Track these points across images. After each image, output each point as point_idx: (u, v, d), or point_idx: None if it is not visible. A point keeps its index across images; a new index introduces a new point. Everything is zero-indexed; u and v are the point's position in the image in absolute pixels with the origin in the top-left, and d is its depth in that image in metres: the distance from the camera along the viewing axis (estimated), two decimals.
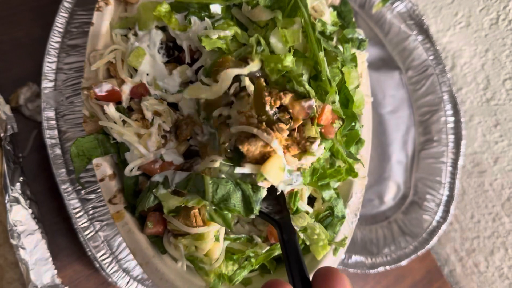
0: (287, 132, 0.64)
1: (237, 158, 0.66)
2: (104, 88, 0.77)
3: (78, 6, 0.93)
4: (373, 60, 1.15)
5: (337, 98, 0.75)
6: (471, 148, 1.18)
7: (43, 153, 0.89)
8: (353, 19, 0.95)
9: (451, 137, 1.10)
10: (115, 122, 0.76)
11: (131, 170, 0.76)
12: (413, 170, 1.14)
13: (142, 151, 0.75)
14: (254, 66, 0.71)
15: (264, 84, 0.67)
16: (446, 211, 1.09)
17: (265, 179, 0.62)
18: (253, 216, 0.66)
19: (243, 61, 0.74)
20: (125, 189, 0.77)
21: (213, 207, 0.67)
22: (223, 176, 0.65)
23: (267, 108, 0.65)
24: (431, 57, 1.10)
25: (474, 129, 1.17)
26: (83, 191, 0.86)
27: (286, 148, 0.65)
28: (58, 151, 0.86)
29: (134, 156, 0.76)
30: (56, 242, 0.94)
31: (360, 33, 0.93)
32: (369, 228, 1.14)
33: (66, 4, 0.92)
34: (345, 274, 0.67)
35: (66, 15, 0.92)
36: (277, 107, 0.66)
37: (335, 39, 0.89)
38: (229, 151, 0.69)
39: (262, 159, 0.63)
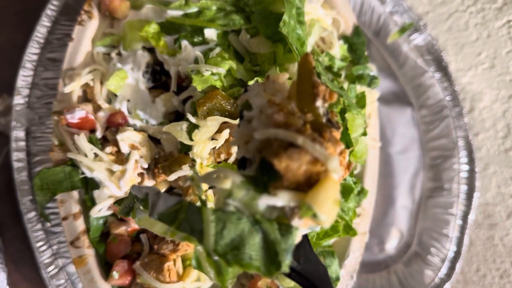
0: (342, 145, 0.40)
1: (265, 180, 0.39)
2: (76, 115, 0.68)
3: (63, 14, 0.84)
4: (384, 94, 1.06)
5: None
6: (483, 198, 1.09)
7: (11, 173, 0.80)
8: (366, 53, 0.85)
9: (463, 188, 1.00)
10: (85, 155, 0.67)
11: (99, 211, 0.67)
12: (419, 218, 1.04)
13: (113, 191, 0.66)
14: None
15: (313, 63, 0.43)
16: (451, 268, 0.99)
17: (315, 215, 0.36)
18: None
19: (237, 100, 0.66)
20: (91, 230, 0.68)
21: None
22: (232, 208, 0.39)
23: (318, 102, 0.40)
24: (448, 98, 1.01)
25: (488, 178, 1.07)
26: (48, 223, 0.77)
27: None
28: (24, 176, 0.77)
29: (104, 195, 0.67)
30: (20, 272, 0.86)
31: (371, 69, 0.83)
32: (366, 277, 1.04)
33: (49, 12, 0.83)
34: None
35: (48, 24, 0.83)
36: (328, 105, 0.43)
37: (343, 76, 0.79)
38: (240, 161, 0.46)
39: (306, 184, 0.38)
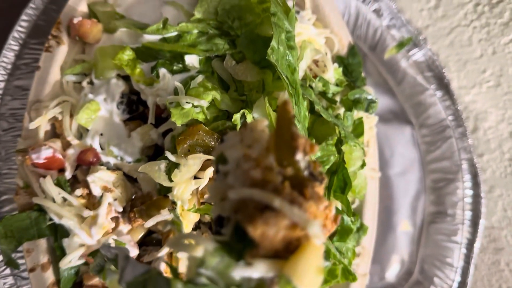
0: (326, 202, 0.35)
1: (239, 248, 0.35)
2: (42, 154, 0.61)
3: (32, 37, 0.77)
4: (382, 112, 0.99)
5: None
6: (488, 221, 1.03)
7: None
8: (363, 74, 0.79)
9: (468, 214, 0.93)
10: (53, 199, 0.60)
11: (69, 262, 0.60)
12: (421, 244, 0.98)
13: (84, 239, 0.59)
14: None
15: (293, 113, 0.40)
16: None
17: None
18: None
19: (223, 135, 0.59)
20: (61, 282, 0.61)
21: None
22: (204, 279, 0.34)
23: (298, 156, 0.36)
24: (451, 117, 0.94)
25: (494, 201, 1.01)
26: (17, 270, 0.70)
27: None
28: None
29: (74, 244, 0.60)
30: None
31: (369, 93, 0.77)
32: None
33: (16, 35, 0.76)
34: None
35: (16, 48, 0.76)
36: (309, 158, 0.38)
37: (338, 101, 0.73)
38: (217, 220, 0.40)
39: (285, 250, 0.34)
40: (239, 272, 0.33)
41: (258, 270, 0.33)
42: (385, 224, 0.99)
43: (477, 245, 0.92)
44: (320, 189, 0.35)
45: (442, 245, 0.95)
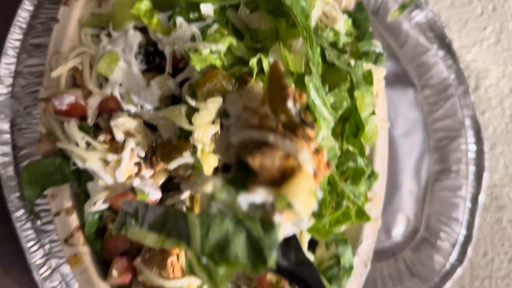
0: (317, 142, 0.42)
1: (243, 179, 0.42)
2: (65, 101, 0.63)
3: None
4: (385, 75, 1.02)
5: (324, 132, 0.62)
6: (490, 179, 1.06)
7: None
8: (370, 29, 0.81)
9: (472, 169, 0.96)
10: (77, 144, 0.62)
11: (94, 204, 0.62)
12: (426, 202, 1.01)
13: (108, 182, 0.61)
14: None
15: (283, 70, 0.46)
16: (463, 253, 0.95)
17: (289, 205, 0.38)
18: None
19: (240, 81, 0.61)
20: (85, 226, 0.63)
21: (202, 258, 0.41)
22: (215, 210, 0.40)
23: (289, 104, 0.42)
24: (453, 76, 0.97)
25: (496, 159, 1.04)
26: (39, 221, 0.72)
27: (313, 175, 0.42)
28: (11, 172, 0.73)
29: (99, 187, 0.62)
30: (10, 275, 0.81)
31: (377, 46, 0.79)
32: (373, 266, 1.00)
33: None
34: None
35: (31, 8, 0.78)
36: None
37: (348, 53, 0.75)
38: (224, 167, 0.47)
39: (281, 178, 0.40)
40: (243, 199, 0.39)
41: (259, 195, 0.39)
42: (390, 184, 1.02)
43: (481, 198, 0.95)
44: (311, 132, 0.41)
45: (447, 201, 0.98)
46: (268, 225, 0.39)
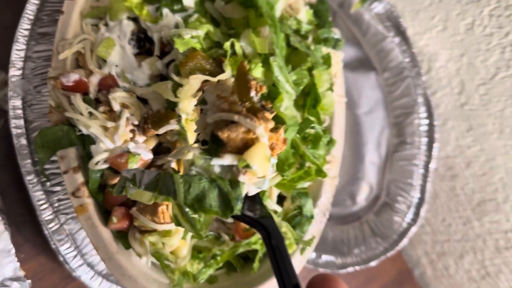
0: (272, 123, 0.55)
1: (215, 149, 0.56)
2: (71, 78, 0.75)
3: None
4: (350, 60, 1.15)
5: (287, 103, 0.75)
6: (444, 152, 1.19)
7: (10, 143, 0.86)
8: (330, 18, 0.94)
9: (424, 140, 1.10)
10: (81, 114, 0.74)
11: (96, 163, 0.74)
12: (386, 171, 1.14)
13: (108, 145, 0.74)
14: (226, 75, 0.71)
15: (248, 67, 0.60)
16: (417, 214, 1.09)
17: (248, 166, 0.52)
18: (230, 220, 0.62)
19: (216, 61, 0.74)
20: (89, 182, 0.76)
21: (185, 209, 0.56)
22: (194, 172, 0.55)
23: (252, 93, 0.56)
24: (407, 60, 1.11)
25: (448, 133, 1.17)
26: (48, 183, 0.84)
27: (271, 148, 0.56)
28: (23, 141, 0.84)
29: (100, 149, 0.74)
30: (21, 234, 0.92)
31: (336, 33, 0.92)
32: (341, 228, 1.14)
33: None
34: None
35: (37, 2, 0.89)
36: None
37: (310, 39, 0.88)
38: (203, 142, 0.60)
39: (244, 147, 0.54)
40: (216, 163, 0.54)
41: (227, 160, 0.53)
42: (355, 156, 1.15)
43: (432, 166, 1.09)
44: (269, 115, 0.55)
45: (404, 169, 1.12)
46: (235, 183, 0.53)
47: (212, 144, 0.56)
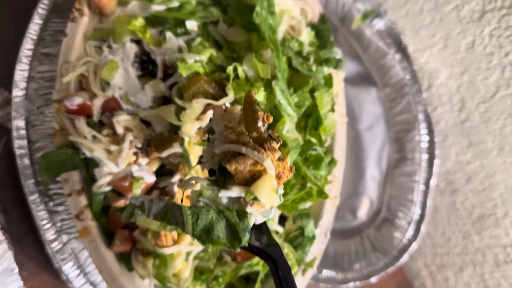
0: (279, 153, 0.55)
1: (222, 181, 0.57)
2: (75, 102, 0.75)
3: (53, 13, 0.91)
4: (351, 76, 1.16)
5: (289, 126, 0.76)
6: (444, 167, 1.20)
7: (12, 161, 0.86)
8: (332, 38, 0.95)
9: (425, 156, 1.11)
10: (85, 137, 0.75)
11: (100, 187, 0.75)
12: (387, 186, 1.15)
13: (112, 168, 0.75)
14: (228, 99, 0.71)
15: (255, 97, 0.60)
16: (417, 230, 1.10)
17: (255, 198, 0.53)
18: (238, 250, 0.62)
19: (219, 85, 0.74)
20: (93, 205, 0.76)
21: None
22: (202, 204, 0.56)
23: (260, 123, 0.56)
24: (408, 76, 1.11)
25: (448, 148, 1.18)
26: (51, 203, 0.85)
27: (278, 177, 0.56)
28: (27, 161, 0.84)
29: (104, 173, 0.75)
30: (24, 252, 0.92)
31: (337, 53, 0.93)
32: (341, 243, 1.14)
33: (40, 11, 0.90)
34: None
35: (40, 22, 0.90)
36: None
37: (312, 60, 0.89)
38: (210, 171, 0.61)
39: (251, 179, 0.54)
40: (223, 195, 0.54)
41: (235, 192, 0.53)
42: (356, 171, 1.16)
43: (432, 182, 1.10)
44: (276, 145, 0.55)
45: (404, 185, 1.12)
46: (242, 214, 0.54)
47: (219, 176, 0.57)
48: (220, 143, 0.58)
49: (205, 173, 0.81)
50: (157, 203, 0.59)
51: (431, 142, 1.10)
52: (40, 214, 0.84)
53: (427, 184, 1.10)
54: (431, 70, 1.13)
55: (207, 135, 0.63)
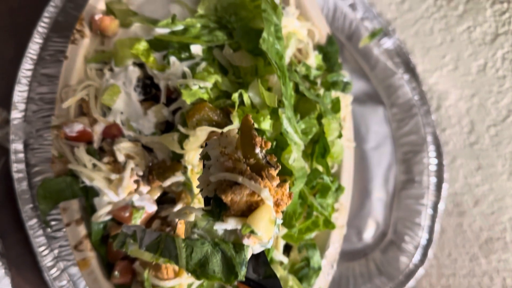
0: (278, 180, 0.52)
1: (218, 212, 0.53)
2: (75, 129, 0.73)
3: (54, 31, 0.88)
4: (358, 94, 1.13)
5: (295, 155, 0.73)
6: (452, 188, 1.17)
7: (9, 182, 0.84)
8: (339, 60, 0.92)
9: (433, 180, 1.08)
10: (85, 165, 0.72)
11: (99, 216, 0.73)
12: (393, 208, 1.12)
13: (112, 197, 0.72)
14: (233, 126, 0.69)
15: (253, 122, 0.57)
16: (424, 255, 1.07)
17: (252, 231, 0.50)
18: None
19: (224, 112, 0.72)
20: (92, 234, 0.74)
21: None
22: (196, 236, 0.52)
23: (257, 150, 0.53)
24: (416, 97, 1.09)
25: (456, 170, 1.15)
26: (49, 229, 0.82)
27: (276, 204, 0.53)
28: (25, 185, 0.82)
29: (103, 202, 0.73)
30: (21, 275, 0.90)
31: (345, 76, 0.90)
32: (347, 265, 1.11)
33: (40, 29, 0.87)
34: None
35: (40, 41, 0.87)
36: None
37: (319, 83, 0.86)
38: (206, 199, 0.57)
39: (248, 210, 0.51)
40: (219, 226, 0.51)
41: (231, 223, 0.50)
42: (362, 192, 1.13)
43: (441, 206, 1.07)
44: (274, 172, 0.52)
45: (412, 208, 1.10)
46: (239, 247, 0.51)
47: (215, 206, 0.53)
48: (215, 170, 0.54)
49: (200, 201, 0.79)
50: (150, 233, 0.55)
51: (440, 165, 1.08)
52: (38, 240, 0.82)
53: (435, 208, 1.08)
54: (440, 91, 1.10)
55: (202, 161, 0.58)
